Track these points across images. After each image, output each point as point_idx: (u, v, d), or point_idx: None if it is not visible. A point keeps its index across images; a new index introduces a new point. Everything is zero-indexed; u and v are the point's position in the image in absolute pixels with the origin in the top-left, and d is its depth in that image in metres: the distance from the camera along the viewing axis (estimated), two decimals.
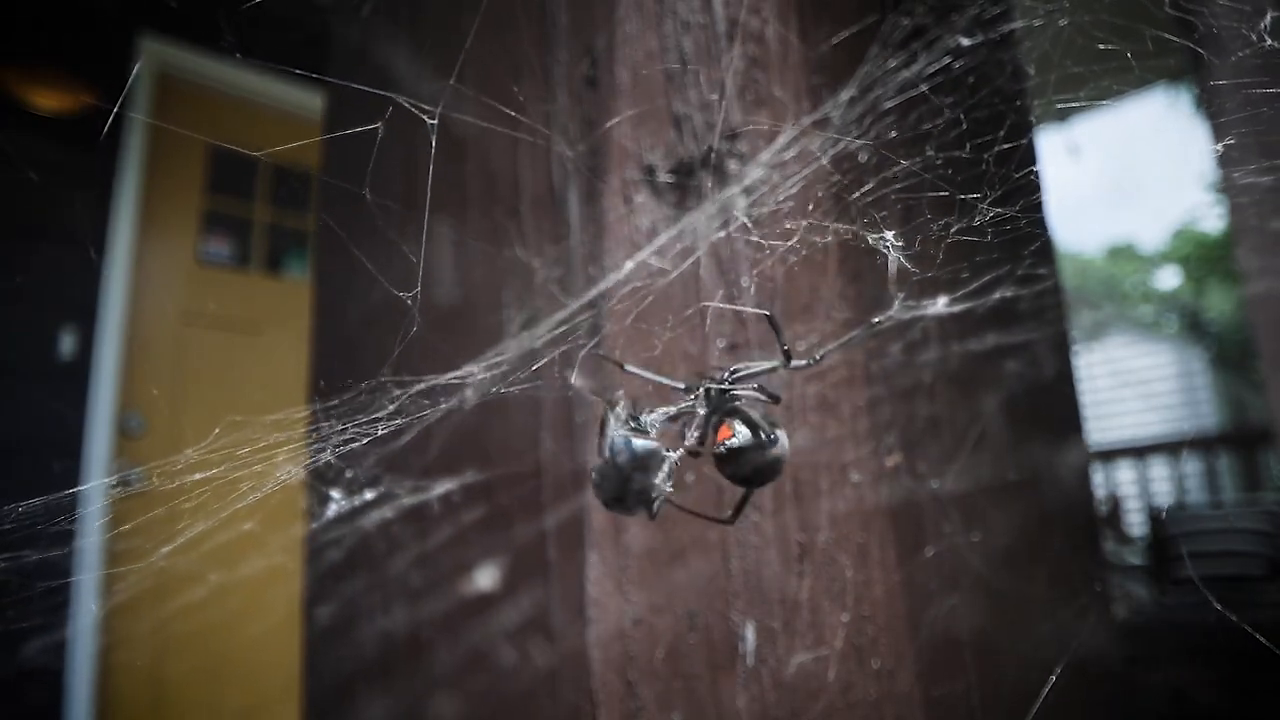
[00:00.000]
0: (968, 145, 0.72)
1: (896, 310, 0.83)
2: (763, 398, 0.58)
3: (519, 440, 0.89)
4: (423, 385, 0.69)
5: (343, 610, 1.11)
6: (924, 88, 0.81)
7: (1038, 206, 0.95)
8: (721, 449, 0.54)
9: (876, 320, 0.65)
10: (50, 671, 2.28)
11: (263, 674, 2.56)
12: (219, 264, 3.03)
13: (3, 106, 2.49)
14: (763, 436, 0.54)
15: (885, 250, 0.61)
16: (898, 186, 0.77)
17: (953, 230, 0.63)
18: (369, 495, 1.00)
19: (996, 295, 0.91)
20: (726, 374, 0.58)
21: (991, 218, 0.62)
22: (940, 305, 0.85)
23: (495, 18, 0.98)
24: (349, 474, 1.01)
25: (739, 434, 0.54)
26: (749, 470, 0.55)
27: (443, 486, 0.97)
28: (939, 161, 0.73)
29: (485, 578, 0.91)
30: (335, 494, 1.00)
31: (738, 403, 0.56)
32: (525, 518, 0.87)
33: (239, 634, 2.58)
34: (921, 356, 0.92)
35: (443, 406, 0.70)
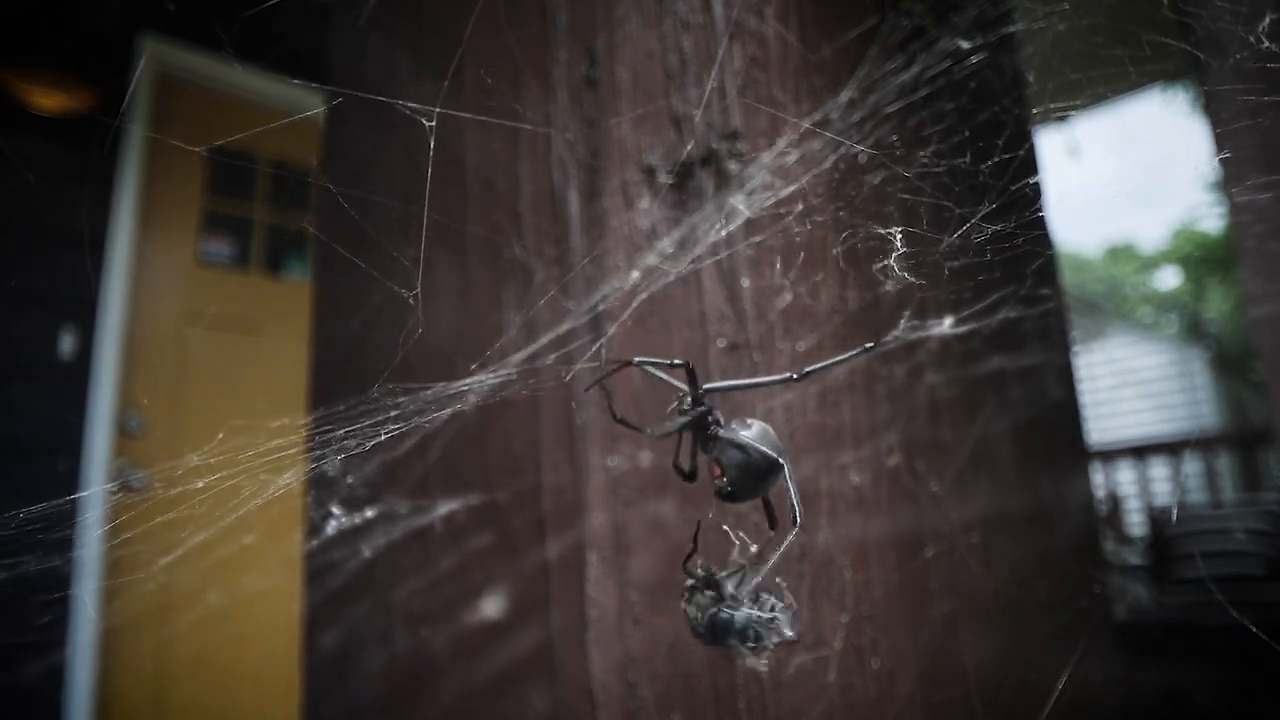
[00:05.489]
0: (968, 154, 0.72)
1: (902, 331, 0.83)
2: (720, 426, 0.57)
3: (518, 441, 0.89)
4: (429, 395, 0.69)
5: (343, 618, 1.11)
6: (924, 91, 0.81)
7: (1040, 222, 0.95)
8: (720, 487, 0.53)
9: (870, 346, 0.65)
10: (50, 676, 2.28)
11: (267, 683, 2.56)
12: (219, 264, 3.03)
13: (3, 106, 2.48)
14: (749, 457, 0.53)
15: (890, 247, 0.61)
16: (898, 188, 0.76)
17: (954, 236, 0.63)
18: (370, 513, 1.00)
19: (1000, 314, 0.91)
20: (684, 403, 0.56)
21: (992, 235, 0.62)
22: (946, 325, 0.86)
23: (495, 18, 0.98)
24: (350, 482, 1.01)
25: (728, 468, 0.53)
26: (750, 495, 0.55)
27: (445, 493, 0.97)
28: (939, 167, 0.73)
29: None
30: (336, 509, 1.00)
31: (718, 432, 0.55)
32: (526, 521, 0.87)
33: (243, 647, 2.57)
34: (923, 358, 0.92)
35: (445, 412, 0.70)
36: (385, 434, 0.64)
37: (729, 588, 0.55)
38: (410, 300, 0.68)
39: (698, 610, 0.55)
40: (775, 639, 0.55)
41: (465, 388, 0.72)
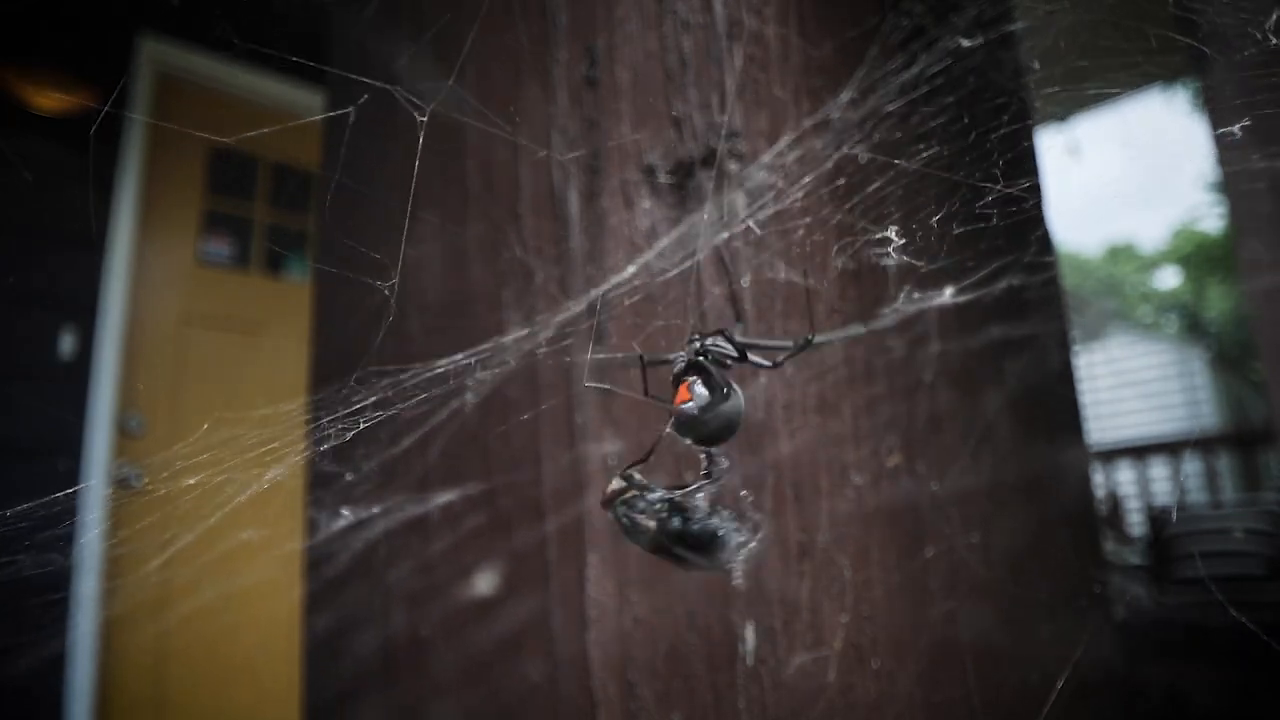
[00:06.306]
0: (971, 135, 0.72)
1: (901, 304, 0.83)
2: (730, 351, 0.57)
3: (518, 438, 0.89)
4: (417, 381, 0.69)
5: (343, 613, 1.11)
6: (924, 89, 0.81)
7: (1036, 188, 0.95)
8: (685, 410, 0.53)
9: (867, 326, 0.66)
10: (49, 669, 2.28)
11: (265, 679, 2.56)
12: (219, 264, 3.03)
13: (3, 106, 2.48)
14: (719, 394, 0.53)
15: (889, 253, 0.61)
16: (899, 183, 0.76)
17: (952, 218, 0.63)
18: (371, 506, 1.00)
19: (1001, 284, 0.91)
20: (709, 340, 0.57)
21: (991, 199, 0.62)
22: (946, 296, 0.85)
23: (495, 18, 0.98)
24: (349, 479, 1.01)
25: (697, 395, 0.54)
26: (704, 433, 0.55)
27: (444, 490, 0.97)
28: (937, 149, 0.73)
29: (486, 578, 0.91)
30: (334, 506, 1.00)
31: (702, 360, 0.55)
32: (526, 519, 0.87)
33: (241, 638, 2.57)
34: (922, 356, 0.92)
35: (444, 413, 0.70)
36: (372, 420, 0.64)
37: (677, 496, 0.55)
38: (386, 291, 0.68)
39: (647, 518, 0.54)
40: (736, 548, 0.54)
41: (451, 370, 0.72)
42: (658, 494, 0.55)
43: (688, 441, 0.55)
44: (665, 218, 0.83)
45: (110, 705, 2.44)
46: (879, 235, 0.61)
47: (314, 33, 1.37)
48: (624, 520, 0.55)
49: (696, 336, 0.57)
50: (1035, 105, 0.86)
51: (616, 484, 0.55)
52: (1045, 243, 0.99)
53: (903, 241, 0.60)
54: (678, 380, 0.55)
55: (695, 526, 0.54)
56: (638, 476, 0.56)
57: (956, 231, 0.65)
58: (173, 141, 2.89)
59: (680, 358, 0.57)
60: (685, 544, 0.54)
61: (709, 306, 0.81)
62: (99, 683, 2.39)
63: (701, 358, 0.56)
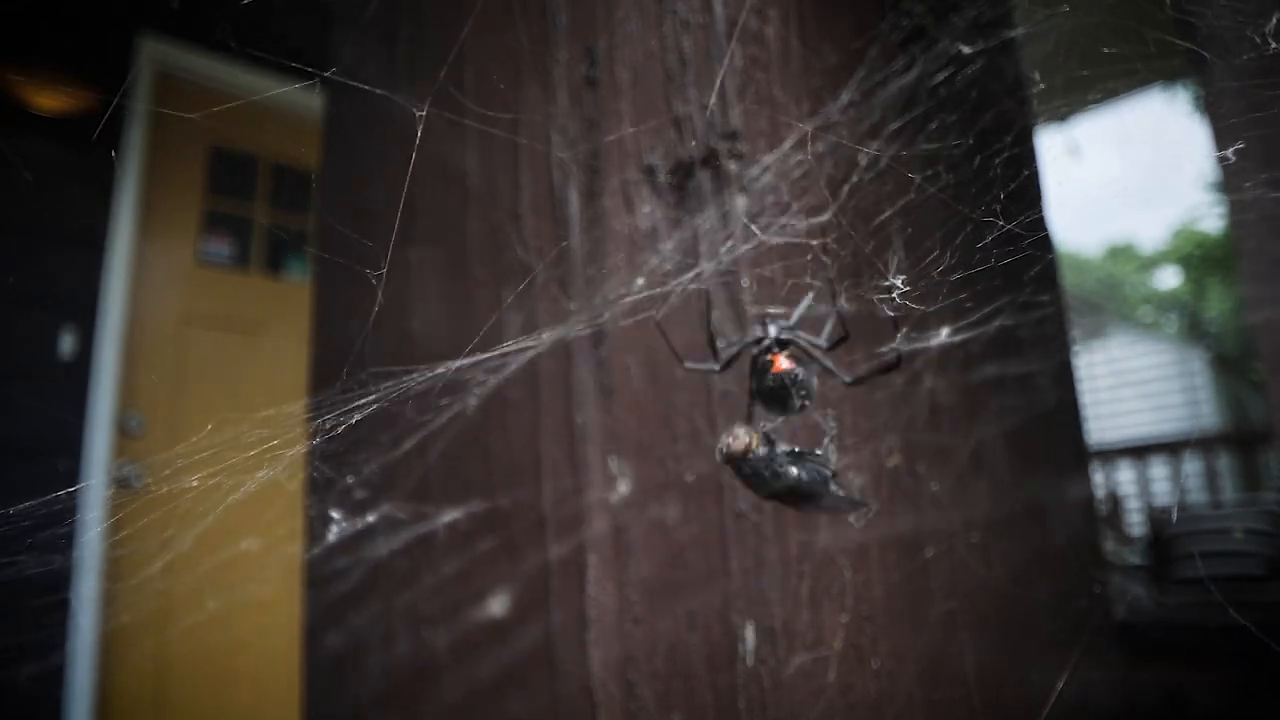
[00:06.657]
0: (975, 159, 0.71)
1: (898, 343, 0.84)
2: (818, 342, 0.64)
3: (519, 442, 0.89)
4: (419, 383, 0.69)
5: (344, 619, 1.11)
6: (924, 93, 0.81)
7: (1040, 223, 0.95)
8: (779, 379, 0.60)
9: (891, 348, 0.71)
10: (50, 674, 2.28)
11: (267, 683, 2.56)
12: (219, 264, 3.03)
13: (3, 106, 2.48)
14: (807, 366, 0.61)
15: (892, 297, 0.64)
16: (904, 217, 0.76)
17: (955, 267, 0.64)
18: (368, 511, 1.00)
19: (998, 321, 0.91)
20: (784, 325, 0.64)
21: (995, 237, 0.62)
22: (943, 335, 0.86)
23: (495, 17, 0.98)
24: (350, 483, 1.01)
25: (790, 369, 0.61)
26: (796, 398, 0.61)
27: (445, 494, 0.97)
28: (942, 175, 0.73)
29: (489, 594, 0.91)
30: (336, 513, 1.00)
31: (790, 337, 0.62)
32: (525, 518, 0.87)
33: (244, 647, 2.56)
34: (923, 362, 0.92)
35: (445, 416, 0.70)
36: (374, 424, 0.64)
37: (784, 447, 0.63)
38: (374, 281, 0.69)
39: (783, 467, 0.61)
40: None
41: (454, 375, 0.72)
42: (784, 448, 0.63)
43: (778, 406, 0.62)
44: (665, 218, 0.83)
45: (110, 706, 2.44)
46: (884, 284, 0.63)
47: (315, 32, 1.37)
48: (763, 470, 0.61)
49: (767, 318, 0.65)
50: (1037, 122, 0.86)
51: (743, 439, 0.61)
52: (1047, 276, 0.99)
53: (906, 289, 0.62)
54: (766, 353, 0.63)
55: (822, 473, 0.62)
56: (769, 435, 0.63)
57: (955, 278, 0.66)
58: (173, 142, 2.89)
59: (760, 335, 0.64)
60: (806, 487, 0.62)
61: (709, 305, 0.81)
62: (100, 684, 2.39)
63: (789, 335, 0.63)
